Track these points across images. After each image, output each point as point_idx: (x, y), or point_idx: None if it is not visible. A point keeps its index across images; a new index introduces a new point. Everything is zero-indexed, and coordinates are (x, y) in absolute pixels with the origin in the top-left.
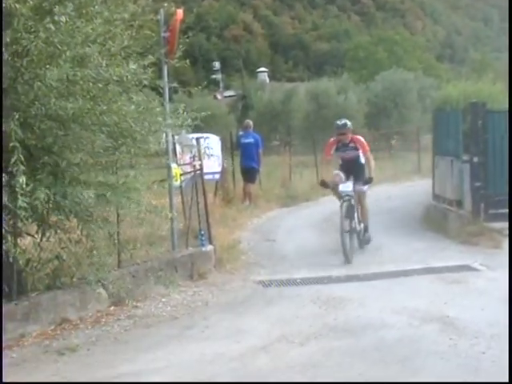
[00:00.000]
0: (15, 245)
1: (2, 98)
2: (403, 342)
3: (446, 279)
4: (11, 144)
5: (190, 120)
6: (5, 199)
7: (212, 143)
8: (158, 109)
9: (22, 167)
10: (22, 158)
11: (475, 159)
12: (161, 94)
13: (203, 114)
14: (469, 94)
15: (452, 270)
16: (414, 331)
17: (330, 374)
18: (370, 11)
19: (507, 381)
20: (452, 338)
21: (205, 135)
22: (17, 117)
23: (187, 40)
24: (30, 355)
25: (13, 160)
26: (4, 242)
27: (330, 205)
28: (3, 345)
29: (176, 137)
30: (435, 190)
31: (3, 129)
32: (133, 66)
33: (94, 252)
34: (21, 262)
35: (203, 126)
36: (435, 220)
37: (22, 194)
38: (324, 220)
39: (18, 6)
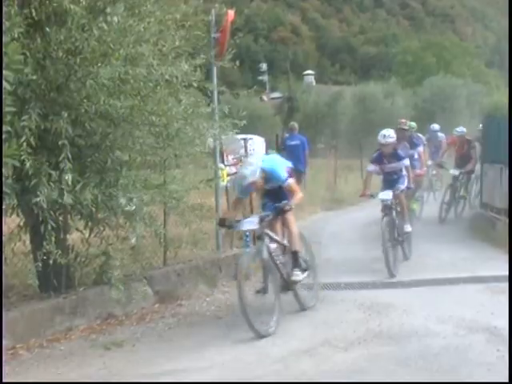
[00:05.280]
0: (58, 243)
1: (1, 97)
2: (449, 352)
3: (492, 289)
4: (60, 142)
5: (237, 122)
6: (54, 194)
7: (255, 144)
8: (205, 111)
9: (70, 165)
10: (70, 156)
11: None
12: (207, 95)
13: (244, 113)
14: None
15: (499, 279)
16: (460, 341)
17: (374, 380)
18: (419, 16)
19: (507, 381)
20: (499, 349)
21: (248, 136)
22: (66, 115)
23: (237, 41)
24: (77, 348)
25: (61, 157)
26: (48, 241)
27: (375, 210)
28: (51, 337)
29: (223, 137)
30: (483, 198)
31: (53, 126)
32: (186, 66)
33: (140, 249)
34: (63, 260)
35: (249, 127)
36: (482, 228)
37: (68, 191)
38: (369, 224)
39: (72, 6)
